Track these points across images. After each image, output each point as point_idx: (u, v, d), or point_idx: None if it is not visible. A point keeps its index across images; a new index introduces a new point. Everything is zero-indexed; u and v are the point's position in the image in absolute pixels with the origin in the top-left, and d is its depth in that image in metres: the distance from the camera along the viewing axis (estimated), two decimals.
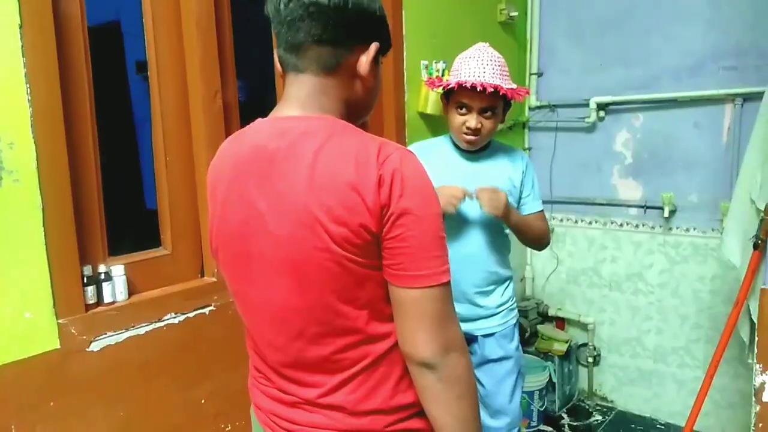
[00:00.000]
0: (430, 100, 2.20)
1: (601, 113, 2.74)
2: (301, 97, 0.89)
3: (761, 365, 1.54)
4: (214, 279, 1.58)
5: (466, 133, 1.65)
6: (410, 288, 0.83)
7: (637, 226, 2.73)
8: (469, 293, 1.73)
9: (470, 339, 1.79)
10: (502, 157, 1.77)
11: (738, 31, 2.38)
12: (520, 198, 1.78)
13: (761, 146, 1.81)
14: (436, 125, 2.32)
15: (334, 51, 0.87)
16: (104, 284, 1.36)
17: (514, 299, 1.86)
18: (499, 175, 1.73)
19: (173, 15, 1.51)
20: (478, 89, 1.55)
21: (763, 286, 1.57)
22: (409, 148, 1.81)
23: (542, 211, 1.83)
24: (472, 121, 1.63)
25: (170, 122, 1.52)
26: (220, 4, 1.58)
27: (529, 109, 2.94)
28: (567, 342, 2.81)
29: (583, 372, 2.95)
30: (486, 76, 1.59)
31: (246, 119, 1.71)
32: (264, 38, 1.82)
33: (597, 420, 2.78)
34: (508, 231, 1.78)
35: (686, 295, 2.63)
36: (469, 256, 1.70)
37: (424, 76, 2.20)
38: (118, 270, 1.38)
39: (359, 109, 0.94)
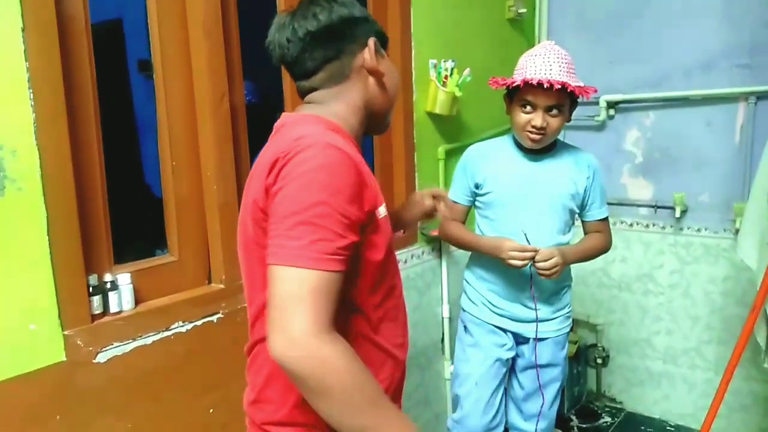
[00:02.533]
0: (438, 100, 2.16)
1: (611, 111, 2.70)
2: (316, 104, 1.01)
3: None
4: (221, 286, 1.54)
5: (530, 132, 1.61)
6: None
7: (647, 226, 2.69)
8: (527, 297, 1.72)
9: (521, 341, 1.78)
10: (567, 159, 1.73)
11: (752, 28, 2.34)
12: (583, 203, 1.75)
13: None
14: (443, 125, 2.28)
15: (340, 63, 0.99)
16: (110, 293, 1.32)
17: (571, 307, 1.83)
18: (562, 177, 1.70)
19: (179, 16, 1.47)
20: (544, 86, 1.51)
21: None
22: (470, 148, 1.83)
23: (606, 218, 1.80)
24: (537, 119, 1.58)
25: (176, 126, 1.48)
26: (226, 4, 1.54)
27: None
28: (576, 343, 2.77)
29: (591, 373, 2.92)
30: (552, 74, 1.55)
31: (253, 121, 1.68)
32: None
33: (606, 422, 2.76)
34: (569, 236, 1.75)
35: (697, 296, 2.59)
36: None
37: (433, 76, 2.16)
38: (124, 278, 1.34)
39: (381, 102, 1.05)
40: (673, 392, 2.70)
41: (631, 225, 2.74)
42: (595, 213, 1.78)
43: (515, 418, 1.87)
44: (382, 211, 0.95)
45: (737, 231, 2.36)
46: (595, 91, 1.62)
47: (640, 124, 2.67)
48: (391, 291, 1.01)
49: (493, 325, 1.78)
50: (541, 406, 1.82)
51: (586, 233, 1.83)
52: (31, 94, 1.15)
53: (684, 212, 2.56)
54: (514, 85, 1.59)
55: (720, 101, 2.44)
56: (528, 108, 1.61)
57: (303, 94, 1.04)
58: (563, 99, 1.59)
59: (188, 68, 1.49)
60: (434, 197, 1.32)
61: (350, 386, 0.79)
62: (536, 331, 1.75)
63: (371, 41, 1.00)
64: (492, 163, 1.75)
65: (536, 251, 1.59)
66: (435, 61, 2.17)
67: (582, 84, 1.59)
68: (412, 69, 2.12)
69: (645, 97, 2.60)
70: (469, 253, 1.88)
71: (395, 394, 1.04)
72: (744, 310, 2.42)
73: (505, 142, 1.77)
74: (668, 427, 2.69)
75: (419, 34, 2.14)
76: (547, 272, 1.60)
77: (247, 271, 0.98)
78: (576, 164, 1.73)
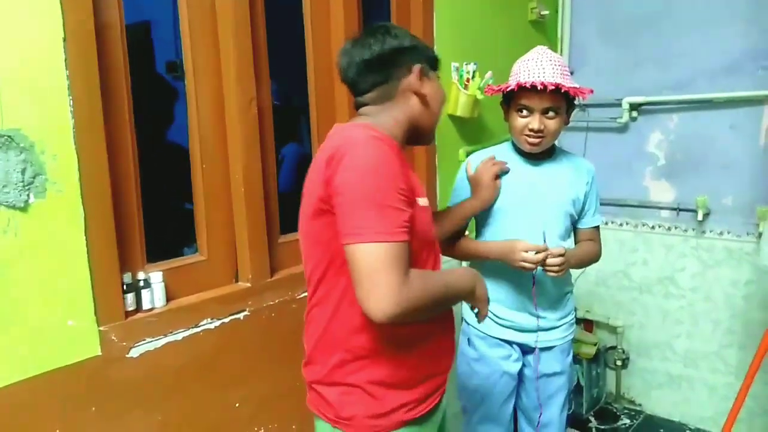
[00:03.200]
0: (460, 103, 2.19)
1: (634, 113, 2.70)
2: (365, 116, 1.19)
3: None
4: (248, 284, 1.59)
5: (528, 135, 1.60)
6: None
7: (669, 228, 2.69)
8: (531, 305, 1.70)
9: (527, 351, 1.77)
10: (567, 165, 1.72)
11: None
12: (581, 209, 1.74)
13: None
14: (465, 127, 2.30)
15: (388, 86, 1.18)
16: (143, 291, 1.38)
17: (574, 313, 1.83)
18: (563, 182, 1.70)
19: (209, 21, 1.52)
20: (538, 88, 1.51)
21: None
22: (470, 157, 1.81)
23: (599, 226, 1.80)
24: (534, 122, 1.57)
25: (206, 129, 1.53)
26: (254, 7, 1.58)
27: None
28: (595, 345, 2.78)
29: (611, 375, 2.92)
30: (546, 76, 1.54)
31: (280, 123, 1.73)
32: (296, 39, 1.83)
33: (625, 423, 2.76)
34: (569, 242, 1.74)
35: (719, 299, 2.58)
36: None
37: (455, 79, 2.18)
38: (156, 277, 1.40)
39: (425, 119, 1.21)
40: (693, 395, 2.70)
41: (652, 227, 2.73)
42: (590, 220, 1.76)
43: (526, 428, 1.86)
44: (421, 201, 1.14)
45: (760, 234, 2.35)
46: (591, 91, 1.60)
47: (663, 127, 2.66)
48: None
49: (498, 338, 1.75)
50: (556, 415, 1.81)
51: (577, 241, 1.79)
52: (71, 101, 1.20)
53: (706, 215, 2.55)
54: (509, 89, 1.60)
55: (744, 104, 2.42)
56: (524, 112, 1.60)
57: (357, 107, 1.22)
58: (559, 101, 1.58)
59: (218, 73, 1.54)
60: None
61: (434, 295, 1.07)
62: (536, 340, 1.73)
63: (416, 67, 1.17)
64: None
65: (547, 250, 1.57)
66: (457, 64, 2.19)
67: (576, 85, 1.59)
68: None
69: (668, 100, 2.60)
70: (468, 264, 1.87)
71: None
72: (766, 314, 2.41)
73: (505, 149, 1.76)
74: (687, 430, 2.68)
75: (442, 37, 2.16)
76: (556, 269, 1.58)
77: (306, 252, 1.17)
78: (576, 170, 1.73)
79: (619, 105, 2.70)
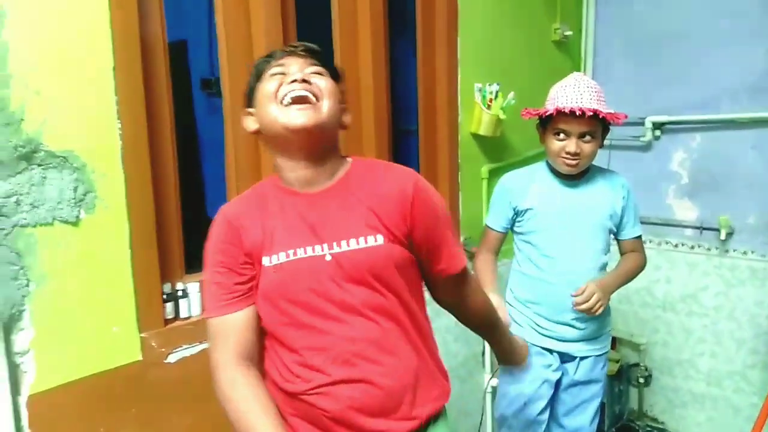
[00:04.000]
0: (483, 122, 2.25)
1: (657, 132, 2.73)
2: None
3: None
4: None
5: (565, 158, 1.68)
6: None
7: (692, 247, 2.70)
8: (573, 316, 1.76)
9: (567, 359, 1.83)
10: (601, 183, 1.80)
11: None
12: (620, 223, 1.81)
13: None
14: (487, 146, 2.37)
15: None
16: (181, 300, 1.47)
17: (611, 326, 1.90)
18: (599, 200, 1.77)
19: (245, 40, 1.61)
20: (577, 113, 1.59)
21: None
22: (507, 176, 1.88)
23: (640, 235, 1.86)
24: (571, 145, 1.65)
25: (242, 151, 1.62)
26: (287, 28, 1.68)
27: None
28: (618, 362, 2.79)
29: (633, 392, 2.92)
30: (583, 102, 1.63)
31: None
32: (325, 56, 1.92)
33: None
34: (609, 255, 1.81)
35: (743, 319, 2.58)
36: (576, 281, 1.72)
37: (478, 99, 2.25)
38: (193, 287, 1.49)
39: (268, 133, 1.09)
40: (717, 415, 2.69)
41: (676, 246, 2.75)
42: (630, 232, 1.83)
43: None
44: (267, 261, 1.05)
45: None
46: (626, 116, 1.68)
47: (686, 146, 2.68)
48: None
49: (540, 346, 1.82)
50: (587, 423, 1.86)
51: (622, 252, 1.87)
52: (119, 125, 1.31)
53: (730, 234, 2.56)
54: (547, 114, 1.67)
55: (767, 125, 2.43)
56: (562, 135, 1.68)
57: None
58: (595, 126, 1.66)
59: None
60: None
61: (231, 416, 1.05)
62: (578, 349, 1.81)
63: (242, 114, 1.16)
64: (532, 191, 1.81)
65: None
66: (480, 84, 2.26)
67: (612, 111, 1.65)
68: (457, 92, 2.22)
69: (691, 119, 2.62)
70: (511, 271, 1.95)
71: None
72: None
73: (541, 169, 1.83)
74: None
75: (465, 59, 2.24)
76: (592, 310, 1.67)
77: None
78: (611, 186, 1.79)
79: (642, 124, 2.73)
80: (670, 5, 2.64)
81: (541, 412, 1.84)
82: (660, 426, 2.86)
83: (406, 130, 2.42)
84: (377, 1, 1.92)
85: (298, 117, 1.01)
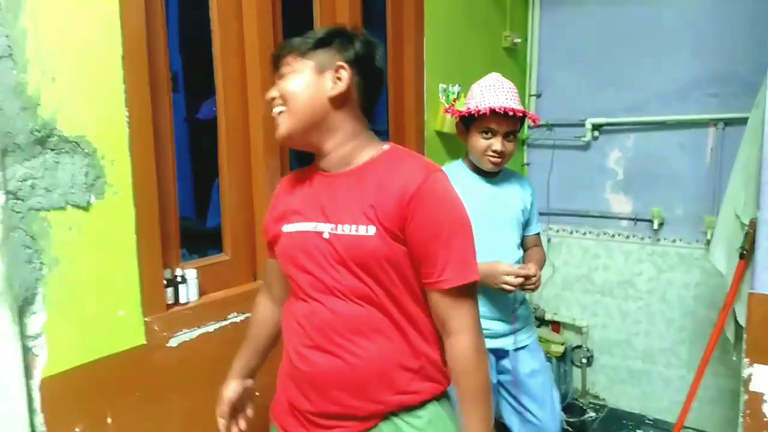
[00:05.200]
0: (446, 120, 2.40)
1: (596, 133, 2.98)
2: None
3: (749, 359, 1.76)
4: None
5: (491, 156, 1.75)
6: None
7: (627, 237, 2.97)
8: (505, 310, 1.81)
9: (501, 356, 1.85)
10: (514, 182, 1.91)
11: (719, 63, 2.65)
12: (528, 219, 1.92)
13: (745, 167, 2.05)
14: (450, 143, 2.52)
15: None
16: (180, 286, 1.51)
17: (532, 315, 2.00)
18: (515, 196, 1.88)
19: (237, 37, 1.68)
20: (509, 114, 1.69)
21: (750, 291, 1.79)
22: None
23: (539, 232, 2.00)
24: (497, 144, 1.73)
25: (235, 171, 1.70)
26: (276, 28, 1.74)
27: (528, 127, 3.16)
28: (562, 344, 3.02)
29: (577, 372, 3.16)
30: (509, 102, 1.71)
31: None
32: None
33: (591, 417, 3.00)
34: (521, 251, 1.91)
35: (672, 300, 2.87)
36: None
37: (442, 98, 2.40)
38: (191, 273, 1.53)
39: None
40: (651, 389, 2.97)
41: (612, 236, 3.01)
42: (534, 227, 1.96)
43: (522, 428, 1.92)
44: (286, 228, 1.18)
45: (708, 241, 2.65)
46: (538, 117, 1.80)
47: (621, 145, 2.95)
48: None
49: None
50: (556, 412, 1.92)
51: (526, 248, 1.95)
52: (127, 112, 1.34)
53: (661, 225, 2.84)
54: (480, 113, 1.71)
55: (692, 126, 2.74)
56: (488, 134, 1.73)
57: None
58: (518, 125, 1.78)
59: (243, 84, 1.70)
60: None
61: None
62: (514, 341, 1.83)
63: None
64: (458, 189, 1.88)
65: (527, 272, 1.70)
66: (444, 85, 2.41)
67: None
68: (424, 92, 2.36)
69: (626, 121, 2.90)
70: None
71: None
72: (712, 312, 2.71)
73: (460, 168, 1.86)
74: (647, 420, 2.95)
75: (430, 60, 2.38)
76: (533, 287, 1.74)
77: None
78: (520, 184, 1.91)
79: (583, 125, 2.98)
80: (607, 17, 2.91)
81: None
82: (601, 402, 3.12)
83: (376, 131, 2.52)
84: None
85: (276, 131, 1.15)
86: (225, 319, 1.59)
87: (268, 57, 1.66)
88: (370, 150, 1.15)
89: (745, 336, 1.81)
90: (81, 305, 1.27)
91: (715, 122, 2.68)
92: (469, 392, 1.09)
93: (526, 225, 1.93)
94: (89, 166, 1.27)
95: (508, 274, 1.69)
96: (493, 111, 1.70)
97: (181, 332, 1.48)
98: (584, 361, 3.10)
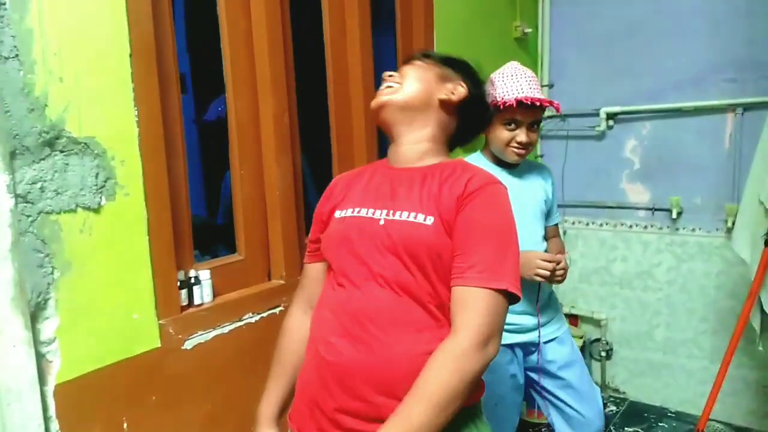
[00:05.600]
0: None
1: (610, 122, 2.93)
2: None
3: None
4: (282, 281, 1.71)
5: (516, 148, 1.69)
6: None
7: (645, 227, 2.92)
8: (531, 304, 1.76)
9: (529, 352, 1.80)
10: (535, 172, 1.86)
11: (736, 47, 2.58)
12: (549, 209, 1.87)
13: None
14: None
15: None
16: (194, 288, 1.48)
17: (560, 307, 1.95)
18: (537, 187, 1.83)
19: (245, 36, 1.65)
20: (537, 105, 1.62)
21: None
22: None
23: (558, 222, 1.97)
24: (522, 135, 1.67)
25: (247, 171, 1.67)
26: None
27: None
28: (581, 338, 2.97)
29: (596, 366, 3.12)
30: (534, 92, 1.65)
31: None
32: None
33: (611, 410, 2.95)
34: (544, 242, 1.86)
35: (693, 290, 2.81)
36: None
37: None
38: (205, 274, 1.51)
39: None
40: (673, 381, 2.92)
41: (630, 227, 2.96)
42: (554, 218, 1.91)
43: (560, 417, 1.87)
44: (339, 213, 1.17)
45: (729, 230, 2.60)
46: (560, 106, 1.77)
47: (637, 134, 2.89)
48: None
49: (502, 345, 1.81)
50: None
51: (546, 238, 1.89)
52: (136, 112, 1.31)
53: (679, 214, 2.79)
54: (507, 104, 1.64)
55: (710, 112, 2.68)
56: (512, 125, 1.67)
57: None
58: (541, 115, 1.72)
59: (254, 86, 1.66)
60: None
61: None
62: (539, 335, 1.78)
63: None
64: None
65: (559, 260, 1.64)
66: None
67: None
68: None
69: (642, 109, 2.83)
70: None
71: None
72: (735, 302, 2.65)
73: (481, 161, 1.80)
74: (669, 414, 2.89)
75: (441, 50, 2.33)
76: (561, 277, 1.68)
77: None
78: (541, 174, 1.87)
79: (597, 114, 2.92)
80: (619, 3, 2.85)
81: (512, 411, 1.84)
82: (622, 396, 3.07)
83: None
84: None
85: (375, 99, 1.19)
86: (240, 320, 1.57)
87: (277, 55, 1.66)
88: (441, 157, 1.19)
89: None
90: (94, 309, 1.25)
91: (733, 107, 2.61)
92: (429, 390, 0.95)
93: (548, 215, 1.88)
94: (99, 167, 1.25)
95: (544, 260, 1.64)
96: (519, 102, 1.63)
97: (196, 334, 1.46)
98: (603, 354, 3.05)
